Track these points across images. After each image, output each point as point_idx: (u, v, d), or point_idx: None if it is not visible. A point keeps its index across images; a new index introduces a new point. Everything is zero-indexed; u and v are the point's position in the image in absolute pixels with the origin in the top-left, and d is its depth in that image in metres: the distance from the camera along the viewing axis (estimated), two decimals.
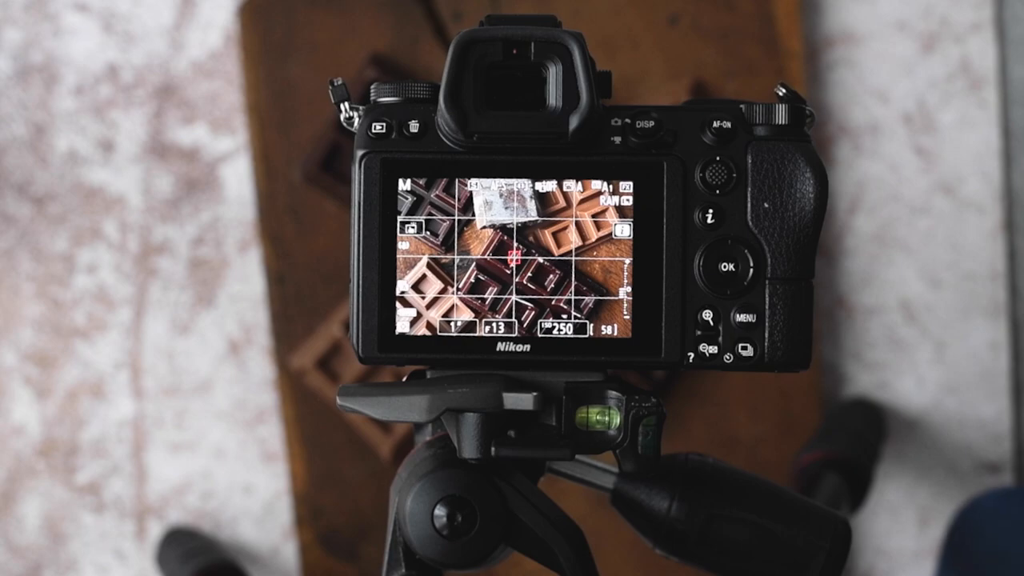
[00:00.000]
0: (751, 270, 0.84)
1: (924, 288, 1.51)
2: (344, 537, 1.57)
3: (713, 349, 0.84)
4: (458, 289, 0.84)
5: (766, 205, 0.84)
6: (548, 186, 0.84)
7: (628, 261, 0.84)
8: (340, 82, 0.86)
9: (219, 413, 1.58)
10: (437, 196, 0.84)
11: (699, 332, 0.84)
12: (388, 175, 0.84)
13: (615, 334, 0.84)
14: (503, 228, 0.84)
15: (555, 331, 0.84)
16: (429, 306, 0.84)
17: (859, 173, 1.51)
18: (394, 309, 0.84)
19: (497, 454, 0.82)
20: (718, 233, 0.84)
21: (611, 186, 0.84)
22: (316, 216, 1.54)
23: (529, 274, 0.84)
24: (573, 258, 0.84)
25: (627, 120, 0.84)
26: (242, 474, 1.58)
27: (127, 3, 1.56)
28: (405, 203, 0.84)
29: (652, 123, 0.84)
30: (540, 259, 0.84)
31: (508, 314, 0.84)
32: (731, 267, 0.84)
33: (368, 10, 1.52)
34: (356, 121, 0.85)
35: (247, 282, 1.57)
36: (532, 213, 0.84)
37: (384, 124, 0.84)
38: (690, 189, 0.84)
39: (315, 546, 1.57)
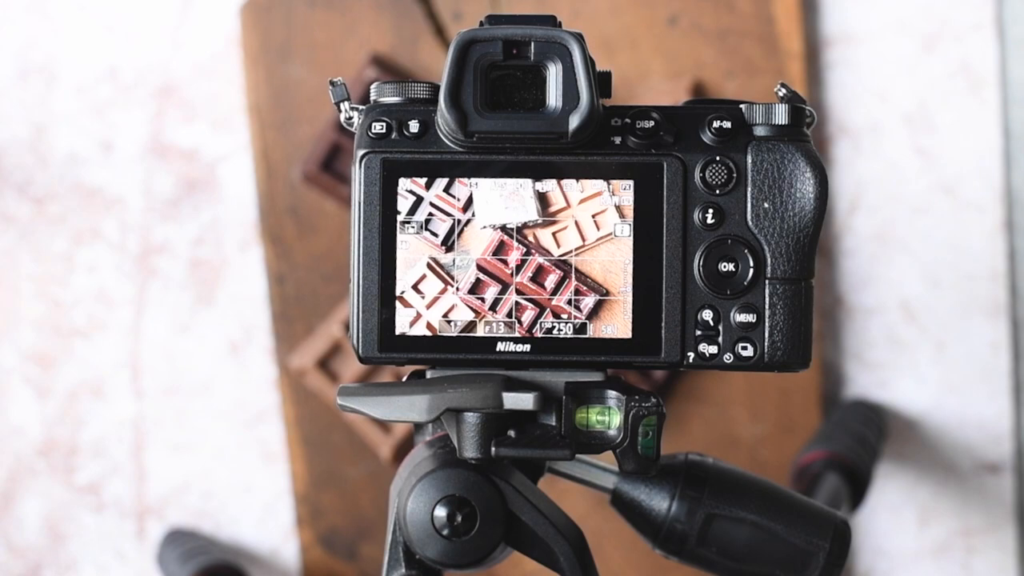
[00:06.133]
0: (751, 270, 0.84)
1: (924, 288, 1.51)
2: (344, 537, 1.57)
3: (713, 349, 0.84)
4: (458, 289, 0.84)
5: (766, 205, 0.84)
6: (548, 186, 0.84)
7: (628, 261, 0.84)
8: (340, 82, 0.86)
9: (219, 413, 1.58)
10: (437, 196, 0.84)
11: (699, 332, 0.84)
12: (388, 175, 0.84)
13: (615, 334, 0.84)
14: (503, 228, 0.84)
15: (555, 331, 0.84)
16: (429, 306, 0.84)
17: (859, 173, 1.51)
18: (394, 309, 0.84)
19: (497, 454, 0.82)
20: (718, 233, 0.84)
21: (611, 186, 0.84)
22: (316, 216, 1.54)
23: (529, 274, 0.84)
24: (573, 258, 0.84)
25: (627, 120, 0.84)
26: (242, 474, 1.58)
27: (127, 3, 1.56)
28: (405, 203, 0.84)
29: (652, 123, 0.84)
30: (540, 259, 0.84)
31: (508, 314, 0.84)
32: (731, 267, 0.84)
33: (368, 10, 1.52)
34: (356, 121, 0.85)
35: (247, 282, 1.57)
36: (532, 213, 0.84)
37: (384, 124, 0.84)
38: (690, 189, 0.84)
39: (315, 546, 1.57)
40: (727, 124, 0.84)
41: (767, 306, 0.84)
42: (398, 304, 0.84)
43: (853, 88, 1.51)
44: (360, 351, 0.84)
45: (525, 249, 0.84)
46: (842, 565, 0.89)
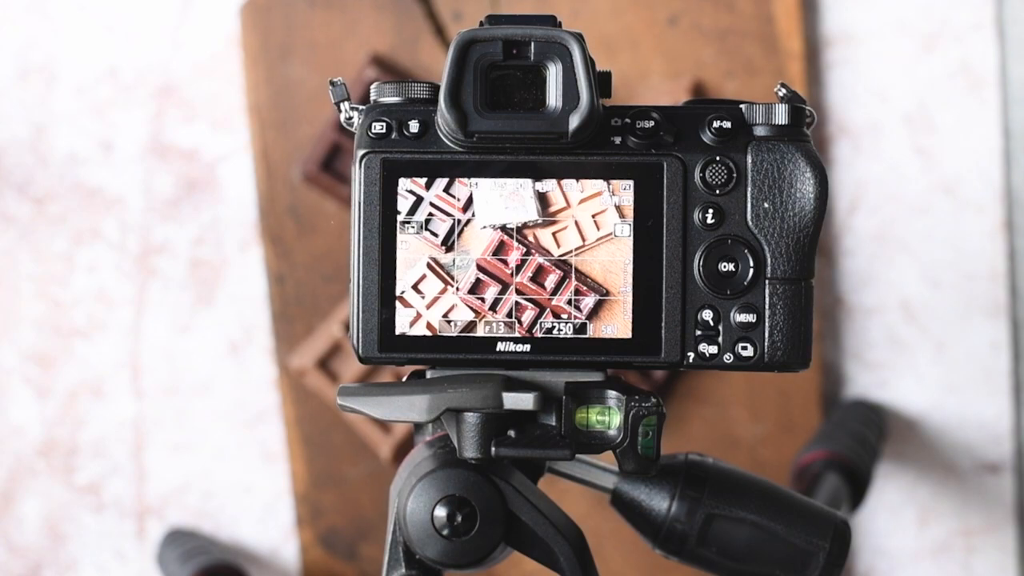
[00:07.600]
0: (751, 270, 0.84)
1: (924, 288, 1.51)
2: (344, 537, 1.57)
3: (713, 349, 0.84)
4: (458, 289, 0.84)
5: (766, 205, 0.84)
6: (548, 186, 0.84)
7: (628, 261, 0.84)
8: (340, 82, 0.86)
9: (219, 413, 1.58)
10: (437, 196, 0.84)
11: (699, 332, 0.84)
12: (388, 175, 0.84)
13: (615, 334, 0.84)
14: (503, 228, 0.84)
15: (555, 331, 0.84)
16: (429, 306, 0.84)
17: (859, 173, 1.51)
18: (394, 309, 0.84)
19: (497, 454, 0.82)
20: (718, 233, 0.84)
21: (611, 186, 0.84)
22: (316, 216, 1.54)
23: (529, 274, 0.84)
24: (573, 258, 0.84)
25: (627, 120, 0.84)
26: (242, 474, 1.58)
27: (127, 3, 1.56)
28: (405, 203, 0.84)
29: (652, 123, 0.84)
30: (540, 259, 0.84)
31: (508, 314, 0.84)
32: (731, 267, 0.84)
33: (368, 10, 1.52)
34: (356, 121, 0.85)
35: (247, 282, 1.57)
36: (532, 213, 0.84)
37: (384, 124, 0.84)
38: (690, 189, 0.84)
39: (315, 546, 1.57)
40: (727, 124, 0.84)
41: (767, 306, 0.84)
42: (398, 304, 0.84)
43: (853, 88, 1.51)
44: (360, 351, 0.84)
45: (525, 249, 0.84)
46: (842, 565, 0.89)
